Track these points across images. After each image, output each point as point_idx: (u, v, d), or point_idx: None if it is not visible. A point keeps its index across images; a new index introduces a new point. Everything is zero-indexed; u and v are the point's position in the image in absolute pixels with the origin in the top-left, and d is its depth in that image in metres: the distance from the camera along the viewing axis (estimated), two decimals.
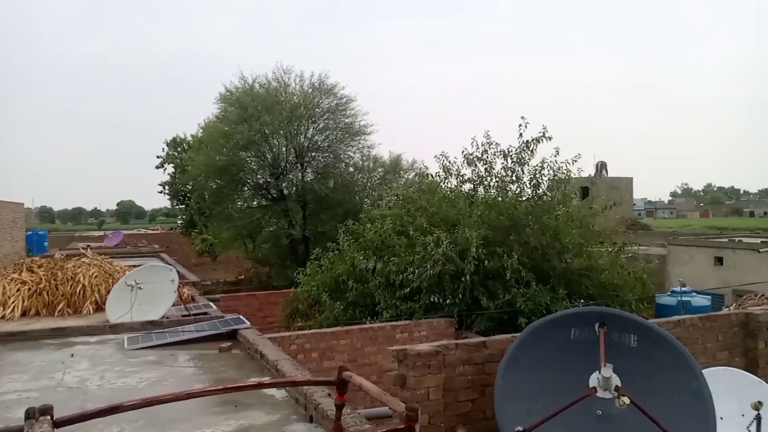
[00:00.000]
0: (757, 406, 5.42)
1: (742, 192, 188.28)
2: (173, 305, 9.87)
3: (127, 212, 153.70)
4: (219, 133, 23.06)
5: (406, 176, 23.68)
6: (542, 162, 13.02)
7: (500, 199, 12.79)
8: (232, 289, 23.16)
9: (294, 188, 23.76)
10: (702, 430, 5.19)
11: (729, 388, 5.97)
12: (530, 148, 13.04)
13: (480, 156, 13.47)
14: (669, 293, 16.13)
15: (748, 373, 6.57)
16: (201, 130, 31.32)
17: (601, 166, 44.11)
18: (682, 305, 14.30)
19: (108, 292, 10.20)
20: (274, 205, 23.96)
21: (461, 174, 13.82)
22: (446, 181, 13.93)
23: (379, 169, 25.39)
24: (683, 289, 15.32)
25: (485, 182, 13.54)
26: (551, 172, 12.99)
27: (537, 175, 13.01)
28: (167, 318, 8.92)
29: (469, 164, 13.60)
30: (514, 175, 13.28)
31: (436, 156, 13.99)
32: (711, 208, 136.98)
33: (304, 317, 13.42)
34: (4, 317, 9.87)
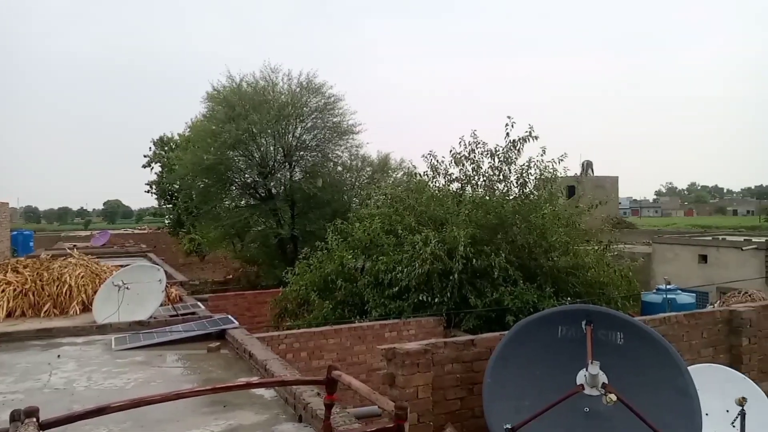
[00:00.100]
0: (741, 401, 5.50)
1: (725, 191, 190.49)
2: (161, 305, 9.83)
3: (114, 212, 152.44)
4: (206, 132, 22.94)
5: (394, 175, 23.67)
6: (529, 161, 13.10)
7: (488, 198, 12.86)
8: (220, 289, 23.04)
9: (282, 187, 23.69)
10: (688, 427, 5.26)
11: (714, 384, 6.06)
12: (517, 148, 13.11)
13: (467, 155, 13.53)
14: (654, 291, 16.31)
15: (732, 370, 6.67)
16: (188, 129, 31.17)
17: (587, 165, 44.36)
18: (667, 303, 14.45)
19: (95, 293, 10.12)
20: (262, 204, 23.87)
21: (449, 173, 13.89)
22: (434, 180, 13.99)
23: (368, 169, 25.37)
24: (668, 286, 15.48)
25: (473, 181, 13.60)
26: (538, 171, 13.07)
27: (524, 174, 13.08)
28: (155, 318, 8.87)
29: (456, 163, 13.65)
30: (501, 174, 13.35)
31: (424, 155, 14.05)
32: (695, 207, 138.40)
33: (292, 317, 13.40)
34: None
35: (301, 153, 23.92)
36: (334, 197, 23.28)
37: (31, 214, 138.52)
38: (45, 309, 10.24)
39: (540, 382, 5.64)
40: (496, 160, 13.33)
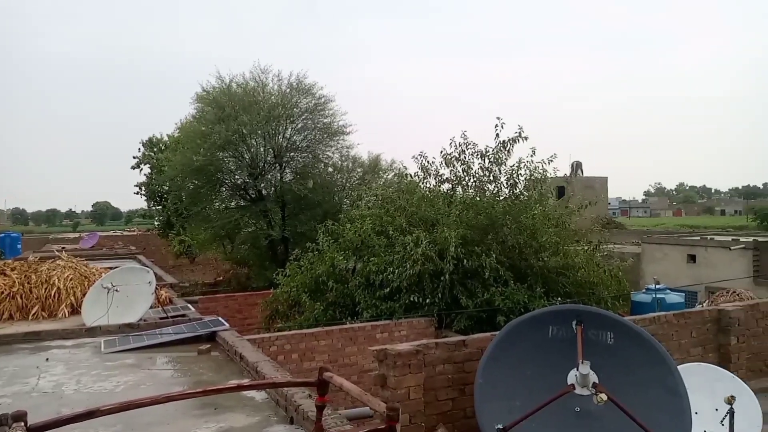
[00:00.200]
0: (730, 400, 5.54)
1: (713, 191, 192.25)
2: (151, 307, 9.76)
3: (103, 213, 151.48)
4: (196, 133, 22.81)
5: (385, 176, 23.66)
6: (519, 162, 13.15)
7: (478, 198, 12.89)
8: (210, 291, 22.90)
9: (273, 189, 23.61)
10: (678, 425, 5.30)
11: (703, 383, 6.10)
12: (507, 148, 13.16)
13: (458, 156, 13.56)
14: (644, 291, 16.40)
15: (721, 369, 6.72)
16: (178, 130, 30.99)
17: (577, 166, 44.54)
18: (657, 302, 14.54)
19: (84, 295, 10.04)
20: (252, 205, 23.77)
21: (440, 174, 13.91)
22: (425, 181, 14.00)
23: (358, 170, 25.34)
24: (657, 286, 15.58)
25: (463, 182, 13.63)
26: (528, 171, 13.12)
27: (514, 175, 13.12)
28: (145, 320, 8.81)
29: (447, 164, 13.67)
30: (491, 174, 13.39)
31: (414, 156, 14.06)
32: (683, 207, 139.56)
33: (283, 318, 13.36)
34: None
35: (292, 154, 23.85)
36: (325, 198, 23.23)
37: (18, 216, 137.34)
38: (33, 312, 10.14)
39: (531, 382, 5.66)
40: (487, 161, 13.38)
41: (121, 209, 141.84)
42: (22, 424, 2.68)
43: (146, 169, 35.80)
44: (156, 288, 10.21)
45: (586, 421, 5.36)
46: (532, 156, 13.14)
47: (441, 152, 13.68)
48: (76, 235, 45.51)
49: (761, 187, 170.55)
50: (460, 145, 13.53)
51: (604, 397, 5.02)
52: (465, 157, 13.50)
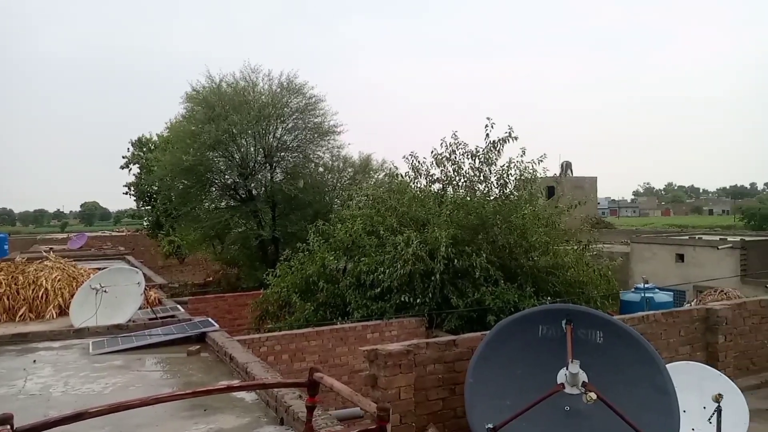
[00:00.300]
0: (718, 398, 5.59)
1: (701, 191, 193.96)
2: (140, 308, 9.70)
3: (92, 214, 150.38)
4: (186, 132, 22.69)
5: (375, 176, 23.66)
6: (509, 162, 13.19)
7: (468, 198, 12.92)
8: (200, 292, 22.83)
9: (263, 188, 23.54)
10: (666, 424, 5.33)
11: (691, 381, 6.15)
12: (497, 149, 13.19)
13: (449, 156, 13.58)
14: (633, 290, 16.53)
15: (708, 367, 6.77)
16: (167, 130, 30.82)
17: (566, 166, 44.74)
18: (646, 301, 14.66)
19: (72, 296, 9.97)
20: (242, 205, 23.69)
21: (430, 174, 13.92)
22: (416, 181, 14.01)
23: (349, 170, 25.32)
24: (646, 285, 15.70)
25: (454, 182, 13.65)
26: (518, 171, 13.17)
27: (504, 175, 13.16)
28: (133, 321, 8.74)
29: (438, 164, 13.70)
30: (481, 175, 13.42)
31: (405, 156, 14.06)
32: (672, 207, 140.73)
33: (273, 319, 13.32)
34: None
35: (282, 154, 23.79)
36: (316, 198, 23.20)
37: (5, 216, 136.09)
38: (20, 313, 10.05)
39: (521, 381, 5.68)
40: (477, 161, 13.41)
41: (110, 209, 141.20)
42: (9, 426, 2.65)
43: (135, 169, 35.63)
44: (145, 289, 10.15)
45: (575, 420, 5.39)
46: (522, 156, 13.20)
47: (432, 152, 13.72)
48: (64, 235, 45.14)
49: (748, 187, 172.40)
50: (450, 145, 13.56)
51: (593, 396, 5.04)
52: (456, 157, 13.53)
